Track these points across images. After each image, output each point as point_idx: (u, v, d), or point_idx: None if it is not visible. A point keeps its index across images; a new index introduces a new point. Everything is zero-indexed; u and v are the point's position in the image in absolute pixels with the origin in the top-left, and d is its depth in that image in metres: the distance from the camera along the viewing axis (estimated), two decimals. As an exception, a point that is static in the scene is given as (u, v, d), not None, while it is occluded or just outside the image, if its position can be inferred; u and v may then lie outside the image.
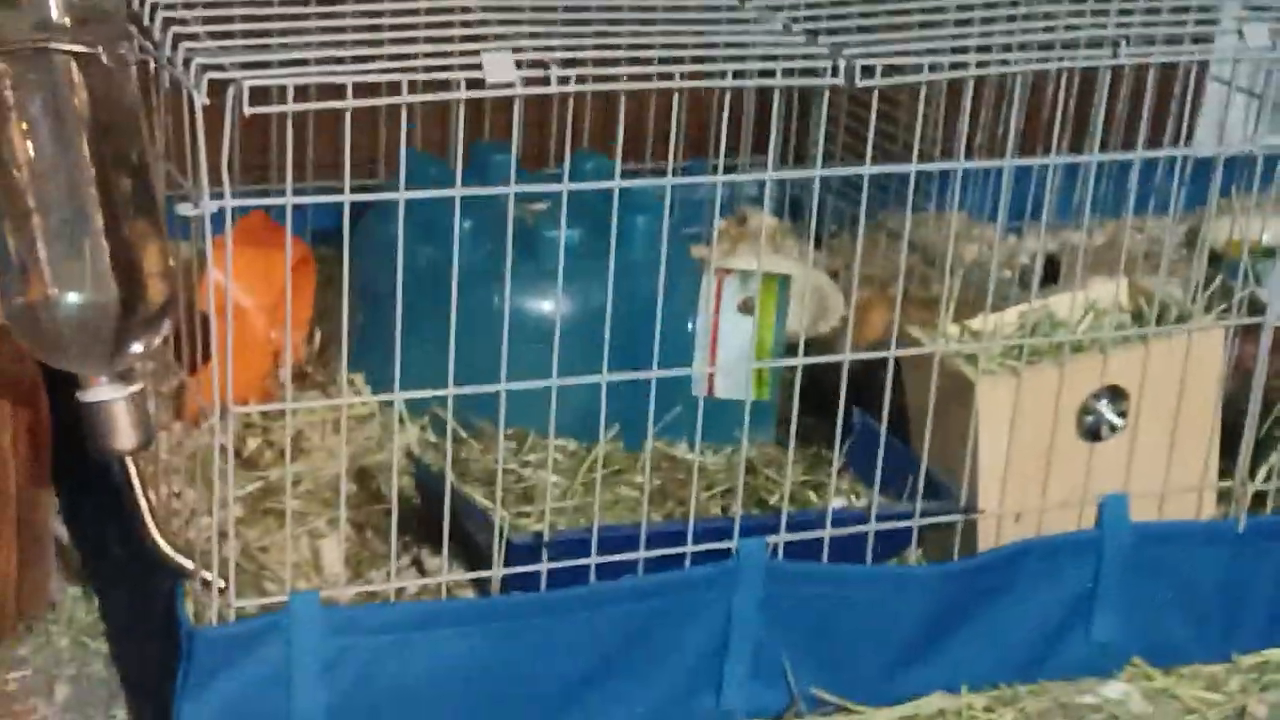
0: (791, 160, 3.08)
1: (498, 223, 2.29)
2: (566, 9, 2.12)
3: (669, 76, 1.97)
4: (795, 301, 2.68)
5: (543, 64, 1.91)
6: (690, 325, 2.55)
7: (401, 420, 2.47)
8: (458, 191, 1.98)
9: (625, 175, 2.08)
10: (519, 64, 1.90)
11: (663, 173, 2.60)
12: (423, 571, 2.23)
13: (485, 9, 2.06)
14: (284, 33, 1.94)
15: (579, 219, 2.52)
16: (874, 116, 2.05)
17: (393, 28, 1.95)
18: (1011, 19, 2.16)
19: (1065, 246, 2.94)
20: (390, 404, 2.45)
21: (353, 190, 1.96)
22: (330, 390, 2.59)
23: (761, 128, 3.05)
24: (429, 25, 1.97)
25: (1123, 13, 2.27)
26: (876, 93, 2.03)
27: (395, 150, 1.98)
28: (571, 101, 2.61)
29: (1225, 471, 2.36)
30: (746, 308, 2.54)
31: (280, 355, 2.60)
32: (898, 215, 2.94)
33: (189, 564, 2.03)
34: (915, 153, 2.09)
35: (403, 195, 1.97)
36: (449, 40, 1.93)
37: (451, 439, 2.06)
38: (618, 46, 1.99)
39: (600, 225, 2.27)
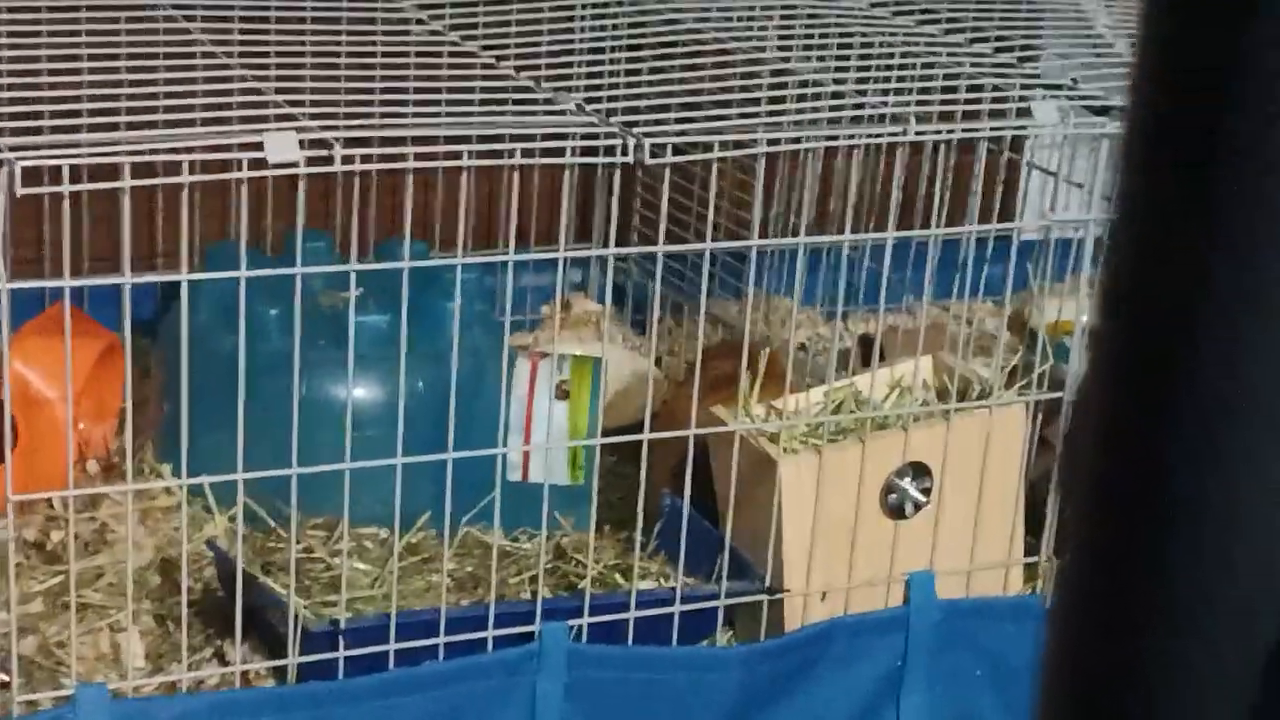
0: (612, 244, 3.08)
1: (307, 311, 2.27)
2: (350, 89, 2.12)
3: (456, 156, 1.97)
4: (621, 385, 2.67)
5: (326, 143, 1.90)
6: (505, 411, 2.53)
7: (208, 509, 2.43)
8: (242, 274, 1.96)
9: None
10: (302, 143, 1.89)
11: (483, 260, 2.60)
12: (224, 662, 2.19)
13: (267, 88, 2.05)
14: (62, 114, 1.93)
15: (390, 306, 2.50)
16: (666, 194, 2.05)
17: (169, 109, 1.93)
18: (803, 98, 2.17)
19: (884, 328, 2.94)
20: (200, 494, 2.42)
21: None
22: (136, 480, 2.54)
23: (585, 213, 3.05)
24: (207, 107, 1.96)
25: (922, 91, 2.30)
26: (667, 171, 2.03)
27: (211, 239, 1.97)
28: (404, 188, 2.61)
29: (1032, 548, 2.36)
30: (561, 392, 2.52)
31: (88, 446, 2.56)
32: (720, 300, 2.94)
33: (-30, 658, 1.99)
34: (709, 232, 2.09)
35: (185, 277, 1.94)
36: (229, 121, 1.92)
37: (251, 526, 2.04)
38: (405, 126, 1.99)
39: (413, 312, 2.26)
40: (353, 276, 2.00)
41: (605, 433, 2.47)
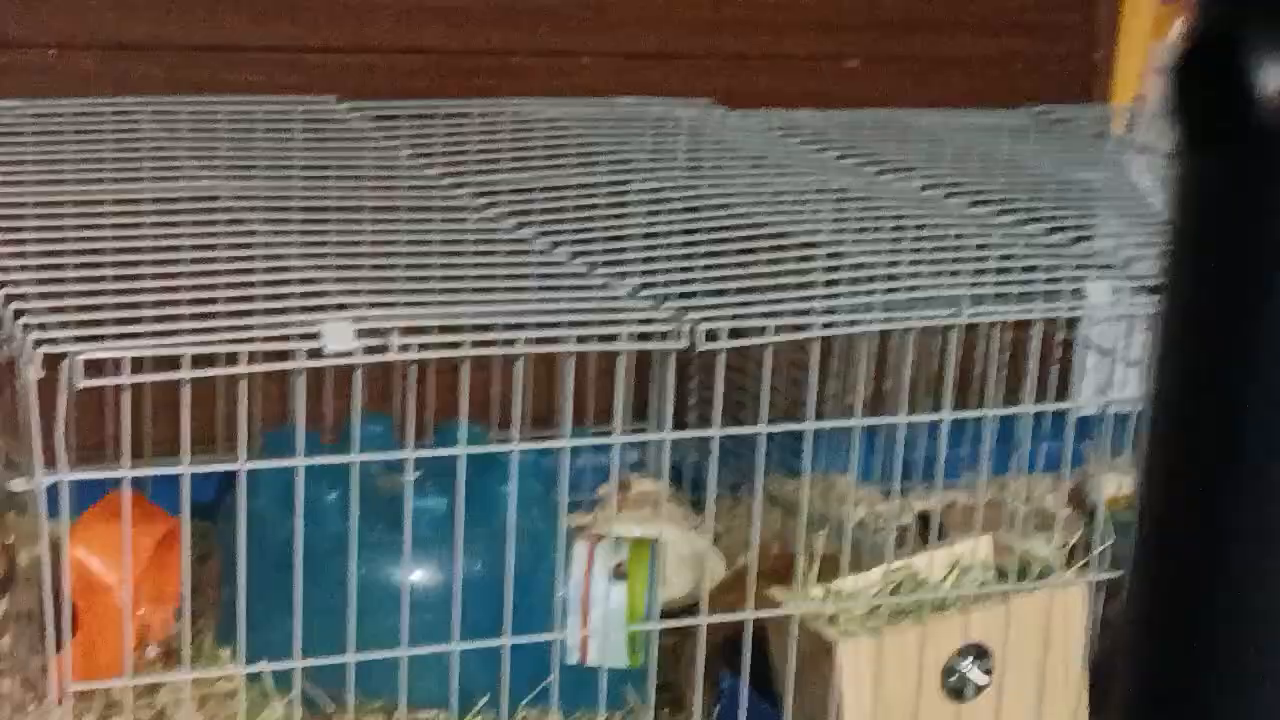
0: (669, 426, 3.09)
1: (366, 494, 2.29)
2: (409, 278, 2.14)
3: (512, 342, 1.99)
4: (679, 566, 2.67)
5: (382, 332, 1.92)
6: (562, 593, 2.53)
7: (266, 694, 2.42)
8: (300, 462, 1.97)
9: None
10: (359, 332, 1.91)
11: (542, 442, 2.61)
12: None
13: (325, 276, 2.08)
14: (123, 306, 1.96)
15: (447, 489, 2.51)
16: (720, 380, 2.06)
17: (228, 299, 1.96)
18: (857, 280, 2.19)
19: (944, 506, 2.93)
20: (258, 679, 2.42)
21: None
22: (194, 666, 2.54)
23: (642, 389, 3.07)
24: (267, 297, 1.99)
25: (976, 273, 2.31)
26: (724, 355, 2.05)
27: (271, 423, 2.00)
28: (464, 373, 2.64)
29: (1096, 730, 2.34)
30: (619, 573, 2.52)
31: (148, 632, 2.57)
32: (777, 480, 2.93)
33: None
34: (763, 412, 2.10)
35: (243, 466, 1.96)
36: (287, 310, 1.94)
37: (309, 710, 2.04)
38: (461, 314, 2.01)
39: (470, 495, 2.27)
40: (409, 462, 2.01)
41: (663, 611, 2.46)
